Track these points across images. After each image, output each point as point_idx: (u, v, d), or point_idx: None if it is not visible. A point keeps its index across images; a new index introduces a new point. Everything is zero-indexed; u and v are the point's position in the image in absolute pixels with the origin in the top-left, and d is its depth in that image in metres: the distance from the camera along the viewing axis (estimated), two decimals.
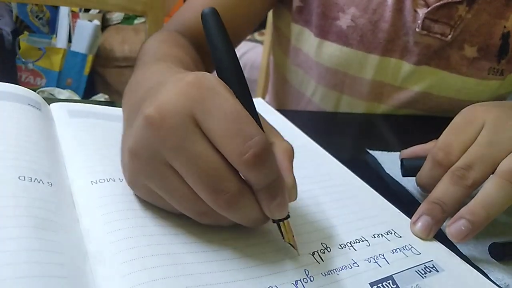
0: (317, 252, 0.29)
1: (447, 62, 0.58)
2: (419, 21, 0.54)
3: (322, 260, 0.28)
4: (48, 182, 0.27)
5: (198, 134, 0.24)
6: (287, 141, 0.28)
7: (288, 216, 0.26)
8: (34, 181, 0.27)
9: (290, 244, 0.27)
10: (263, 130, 0.26)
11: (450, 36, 0.55)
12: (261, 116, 0.28)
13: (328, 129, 0.55)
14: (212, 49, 0.26)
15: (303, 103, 0.69)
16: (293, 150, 0.27)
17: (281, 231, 0.27)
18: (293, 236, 0.27)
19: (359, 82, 0.62)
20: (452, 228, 0.31)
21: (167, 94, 0.24)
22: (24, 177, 0.27)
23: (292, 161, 0.27)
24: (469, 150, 0.34)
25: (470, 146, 0.34)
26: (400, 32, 0.57)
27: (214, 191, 0.24)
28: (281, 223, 0.27)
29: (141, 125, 0.24)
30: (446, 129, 0.37)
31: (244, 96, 0.26)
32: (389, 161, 0.45)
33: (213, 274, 0.25)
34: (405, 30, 0.56)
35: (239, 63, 0.27)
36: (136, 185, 0.27)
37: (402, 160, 0.41)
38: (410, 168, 0.39)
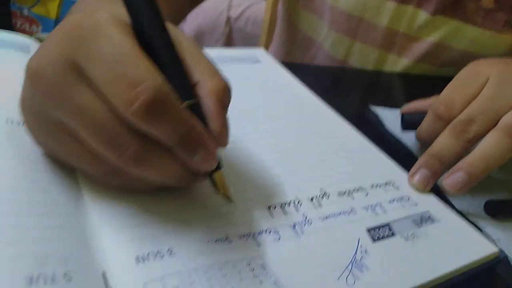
0: (316, 197, 0.29)
1: (463, 12, 0.56)
2: None
3: (320, 206, 0.28)
4: None
5: (81, 84, 0.20)
6: (220, 78, 0.24)
7: (219, 168, 0.23)
8: (22, 126, 0.26)
9: (225, 196, 0.24)
10: (177, 67, 0.23)
11: None
12: (194, 48, 0.24)
13: (332, 85, 0.55)
14: None
15: (313, 50, 0.68)
16: (226, 88, 0.23)
17: (214, 184, 0.24)
18: (228, 186, 0.24)
19: (373, 28, 0.61)
20: (449, 179, 0.31)
21: (48, 42, 0.22)
22: (12, 121, 0.26)
23: (221, 100, 0.23)
24: (472, 104, 0.33)
25: (472, 100, 0.34)
26: None
27: (111, 147, 0.20)
28: (213, 175, 0.24)
29: (25, 79, 0.22)
30: (449, 83, 0.36)
31: (153, 30, 0.22)
32: (391, 118, 0.45)
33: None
34: None
35: None
36: (38, 143, 0.24)
37: (402, 114, 0.40)
38: (410, 122, 0.39)
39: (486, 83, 0.34)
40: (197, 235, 0.23)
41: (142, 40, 0.22)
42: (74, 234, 0.21)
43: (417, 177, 0.33)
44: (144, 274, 0.20)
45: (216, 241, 0.23)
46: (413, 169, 0.33)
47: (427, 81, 0.61)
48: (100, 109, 0.20)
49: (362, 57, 0.64)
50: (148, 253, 0.21)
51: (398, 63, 0.63)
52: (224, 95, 0.23)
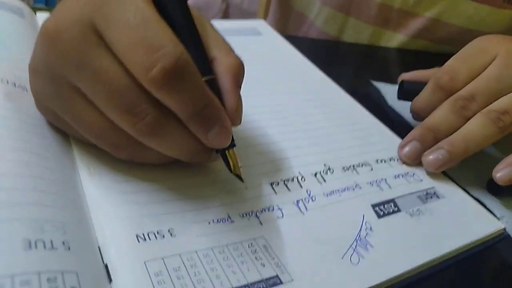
0: (320, 173, 0.28)
1: None
2: None
3: (325, 181, 0.27)
4: None
5: (101, 47, 0.20)
6: (235, 55, 0.23)
7: (233, 145, 0.23)
8: (18, 87, 0.25)
9: (237, 176, 0.24)
10: (197, 41, 0.22)
11: None
12: (209, 25, 0.24)
13: (330, 58, 0.53)
14: None
15: (305, 28, 0.66)
16: (241, 65, 0.23)
17: (226, 162, 0.23)
18: (240, 167, 0.24)
19: (367, 3, 0.59)
20: (429, 156, 0.31)
21: (66, 4, 0.21)
22: (7, 80, 0.24)
23: (237, 79, 0.23)
24: (476, 80, 0.32)
25: (478, 75, 0.32)
26: None
27: (128, 113, 0.20)
28: (226, 152, 0.23)
29: (39, 40, 0.21)
30: (456, 55, 0.34)
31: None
32: (393, 93, 0.43)
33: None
34: None
35: None
36: (42, 109, 0.24)
37: (402, 82, 0.38)
38: (409, 91, 0.37)
39: (494, 60, 0.33)
40: (198, 216, 0.22)
41: (161, 11, 0.21)
42: (70, 204, 0.20)
43: (406, 150, 0.32)
44: (145, 253, 0.19)
45: (217, 221, 0.22)
46: (404, 141, 0.32)
47: (427, 56, 0.59)
48: (118, 74, 0.19)
49: (356, 34, 0.62)
50: (148, 233, 0.20)
51: (393, 40, 0.61)
52: (240, 72, 0.23)
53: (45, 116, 0.24)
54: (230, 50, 0.24)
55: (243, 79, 0.24)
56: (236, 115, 0.23)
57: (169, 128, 0.20)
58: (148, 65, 0.18)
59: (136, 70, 0.19)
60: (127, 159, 0.23)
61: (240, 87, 0.23)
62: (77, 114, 0.21)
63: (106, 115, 0.20)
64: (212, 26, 0.24)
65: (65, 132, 0.24)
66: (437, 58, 0.37)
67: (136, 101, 0.19)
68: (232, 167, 0.23)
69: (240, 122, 0.23)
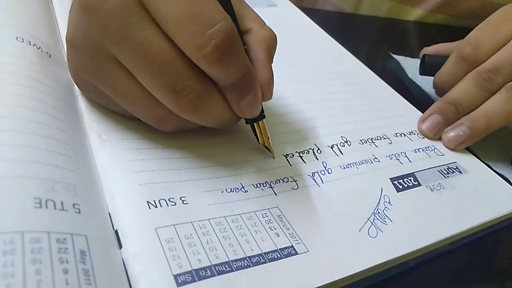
0: (337, 145, 0.27)
1: None
2: None
3: (342, 154, 0.26)
4: (47, 53, 0.25)
5: (145, 19, 0.18)
6: (268, 28, 0.23)
7: (263, 116, 0.23)
8: (33, 46, 0.24)
9: (265, 147, 0.24)
10: (232, 12, 0.22)
11: None
12: None
13: (348, 31, 0.51)
14: None
15: (320, 3, 0.64)
16: (275, 38, 0.23)
17: (255, 133, 0.24)
18: (268, 138, 0.24)
19: None
20: (450, 133, 0.30)
21: None
22: (23, 39, 0.24)
23: (271, 52, 0.23)
24: (501, 51, 0.30)
25: (504, 45, 0.31)
26: None
27: (172, 91, 0.19)
28: (255, 124, 0.24)
29: (77, 9, 0.19)
30: (480, 24, 0.32)
31: None
32: (413, 67, 0.42)
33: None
34: None
35: None
36: (80, 83, 0.23)
37: (424, 55, 0.37)
38: (431, 65, 0.35)
39: None
40: (211, 184, 0.22)
41: None
42: (81, 168, 0.20)
43: (427, 123, 0.30)
44: (156, 219, 0.19)
45: (231, 190, 0.22)
46: (424, 115, 0.31)
47: (448, 30, 0.57)
48: (163, 50, 0.18)
49: (373, 9, 0.59)
50: (160, 200, 0.20)
51: (411, 15, 0.58)
52: (274, 45, 0.23)
53: (84, 90, 0.23)
54: (263, 23, 0.24)
55: (275, 52, 0.23)
56: (267, 88, 0.22)
57: (210, 102, 0.20)
58: (202, 42, 0.18)
59: (187, 46, 0.18)
60: (171, 131, 0.22)
61: (272, 60, 0.23)
62: (119, 89, 0.20)
63: (149, 90, 0.20)
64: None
65: (74, 98, 0.24)
66: (459, 31, 0.35)
67: (179, 78, 0.19)
68: (260, 138, 0.24)
69: (271, 97, 0.23)
